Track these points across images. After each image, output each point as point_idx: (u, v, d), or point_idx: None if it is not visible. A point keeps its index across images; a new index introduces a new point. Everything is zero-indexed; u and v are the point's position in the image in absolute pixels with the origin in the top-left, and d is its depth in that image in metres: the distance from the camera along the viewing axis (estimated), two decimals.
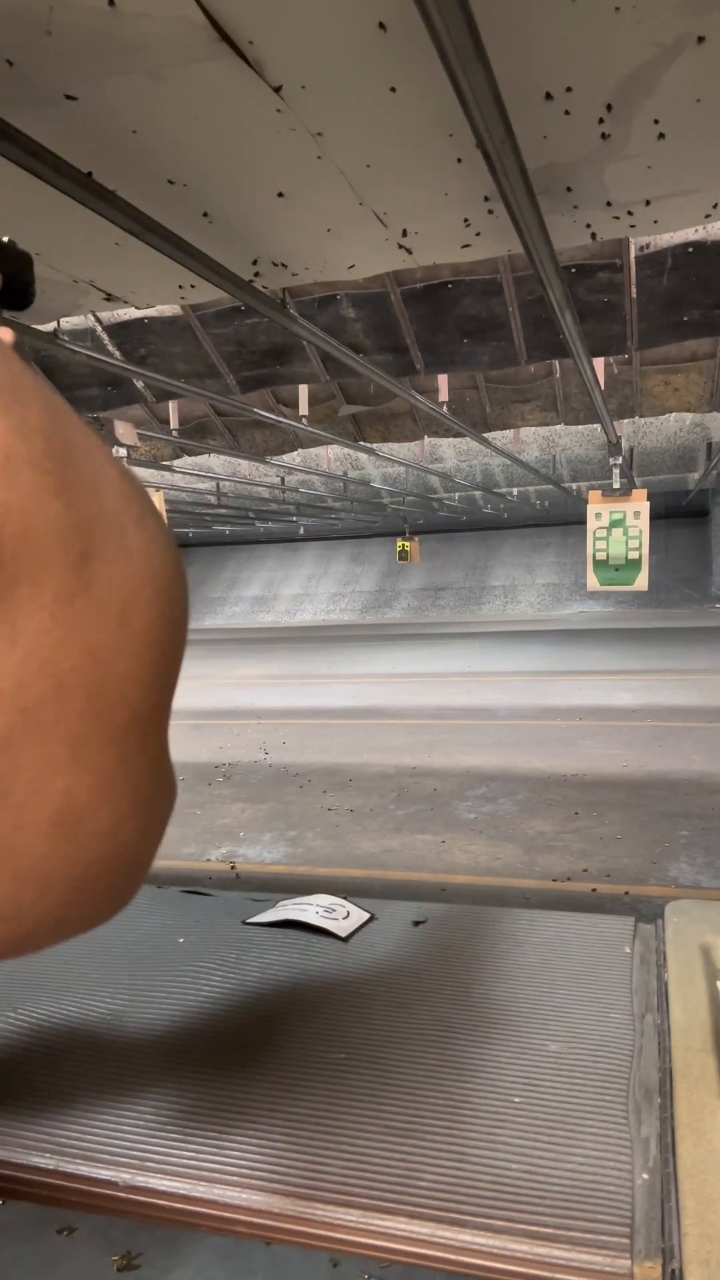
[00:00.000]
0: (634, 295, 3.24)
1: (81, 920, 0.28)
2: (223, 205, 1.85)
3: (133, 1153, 0.76)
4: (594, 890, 3.98)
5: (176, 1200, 0.72)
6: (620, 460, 4.92)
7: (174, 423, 5.24)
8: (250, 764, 6.68)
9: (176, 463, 7.06)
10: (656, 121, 1.56)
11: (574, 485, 10.81)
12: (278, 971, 1.06)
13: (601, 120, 1.55)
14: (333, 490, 10.29)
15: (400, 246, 2.09)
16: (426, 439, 5.90)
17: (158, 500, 4.46)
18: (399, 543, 15.08)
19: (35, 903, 0.25)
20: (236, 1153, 0.75)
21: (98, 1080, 0.87)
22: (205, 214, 1.88)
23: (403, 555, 15.10)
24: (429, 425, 5.43)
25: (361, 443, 5.79)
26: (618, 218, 1.98)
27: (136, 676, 0.25)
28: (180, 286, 2.32)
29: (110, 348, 3.66)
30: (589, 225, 2.04)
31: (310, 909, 1.20)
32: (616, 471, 4.82)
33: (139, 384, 4.18)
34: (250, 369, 3.92)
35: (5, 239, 0.49)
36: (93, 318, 3.57)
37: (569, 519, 17.70)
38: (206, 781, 6.20)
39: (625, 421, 5.83)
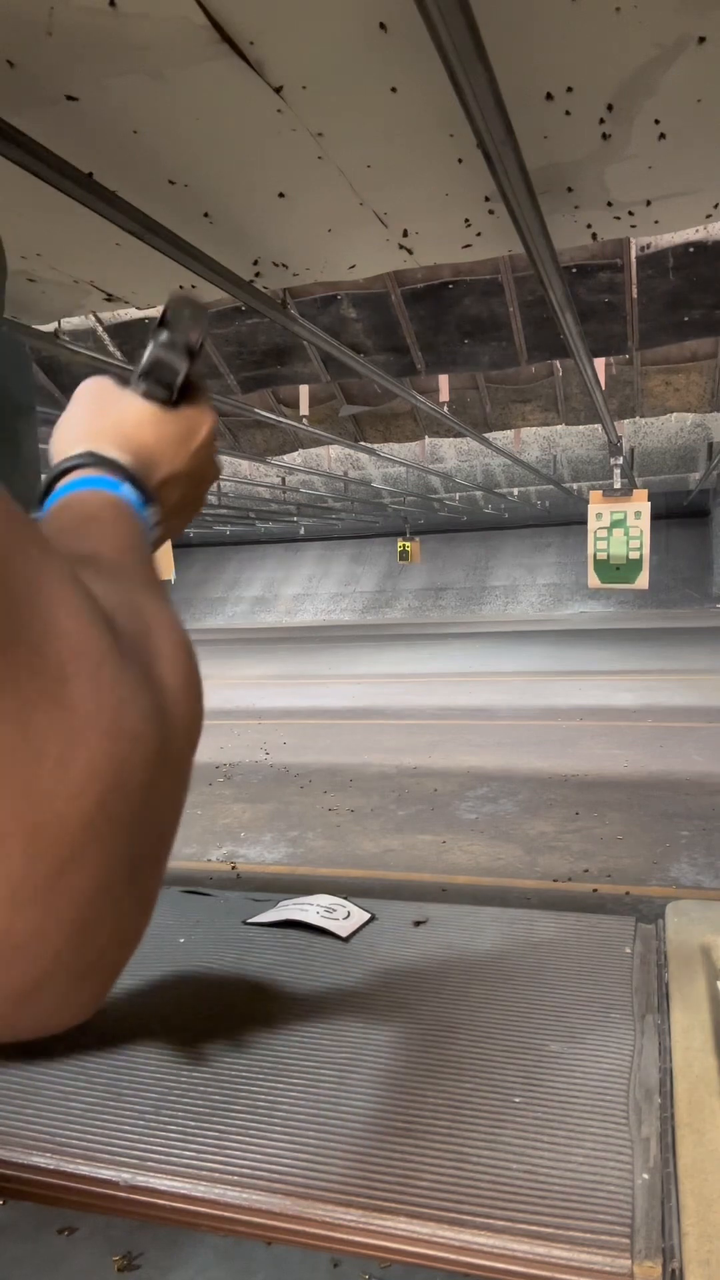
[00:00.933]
0: (635, 295, 3.23)
1: (29, 1026, 0.29)
2: (223, 205, 1.85)
3: (134, 1152, 0.76)
4: (595, 890, 3.98)
5: (178, 1200, 0.72)
6: (621, 460, 4.92)
7: None
8: (251, 764, 6.68)
9: None
10: (657, 122, 1.56)
11: (575, 485, 10.80)
12: (278, 971, 1.06)
13: (602, 120, 1.55)
14: (333, 490, 10.30)
15: (401, 247, 2.09)
16: (427, 439, 5.90)
17: None
18: (400, 543, 15.08)
19: None
20: (237, 1152, 0.75)
21: (98, 1080, 0.87)
22: (206, 214, 1.88)
23: (403, 555, 15.10)
24: (430, 425, 5.43)
25: (362, 443, 5.79)
26: (619, 218, 1.98)
27: (78, 815, 0.26)
28: (181, 287, 2.32)
29: (111, 348, 3.66)
30: (590, 225, 2.04)
31: (311, 909, 1.20)
32: (617, 472, 4.82)
33: None
34: (251, 369, 3.92)
35: None
36: (93, 318, 3.58)
37: (570, 519, 17.69)
38: (207, 781, 6.20)
39: (626, 422, 5.83)
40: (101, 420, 0.53)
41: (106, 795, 0.27)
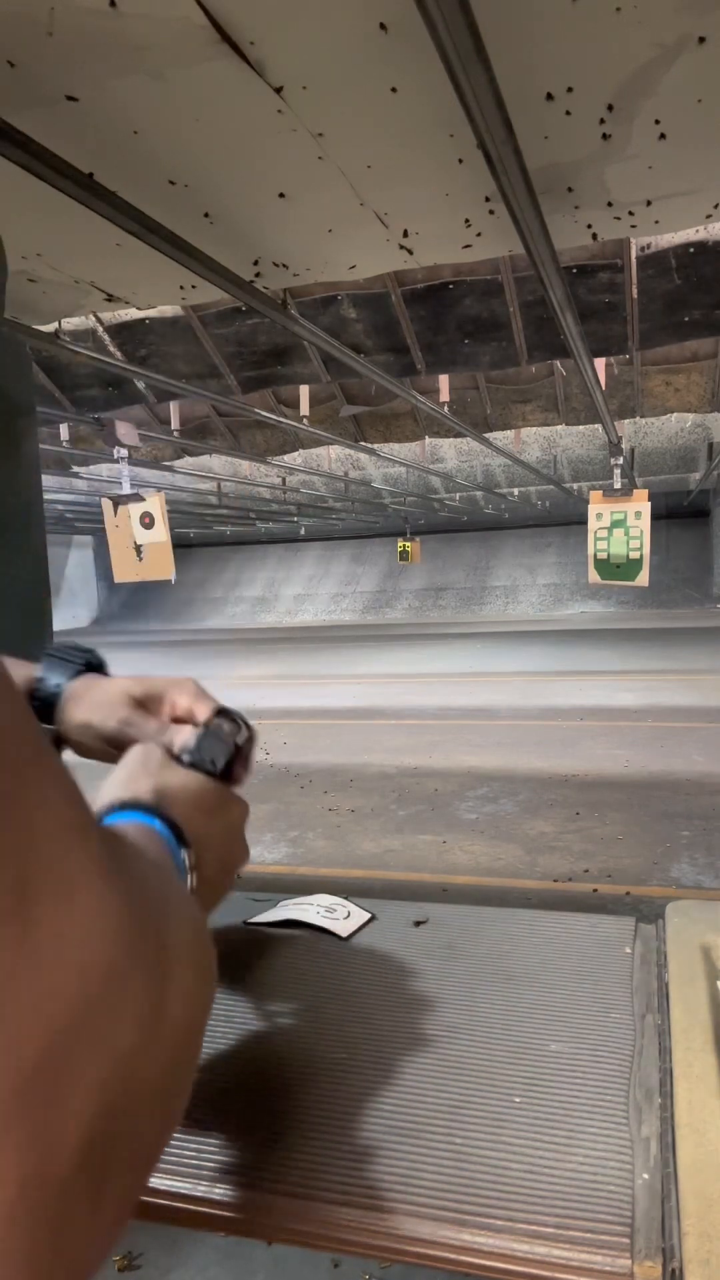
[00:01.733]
0: (635, 295, 3.23)
1: None
2: (224, 206, 1.85)
3: None
4: (595, 890, 3.98)
5: (178, 1200, 0.72)
6: (621, 460, 4.91)
7: (175, 423, 5.24)
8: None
9: (177, 463, 7.06)
10: (658, 122, 1.56)
11: (575, 485, 10.80)
12: (277, 971, 1.06)
13: (603, 120, 1.55)
14: (334, 491, 10.30)
15: (401, 247, 2.09)
16: (427, 439, 5.90)
17: (158, 502, 4.45)
18: (400, 543, 15.07)
19: None
20: (238, 1152, 0.75)
21: None
22: (206, 214, 1.88)
23: (403, 556, 15.09)
24: (430, 426, 5.43)
25: (362, 443, 5.79)
26: (619, 218, 1.98)
27: (14, 1069, 0.21)
28: (181, 287, 2.32)
29: (111, 348, 3.66)
30: (590, 225, 2.04)
31: (311, 909, 1.20)
32: (617, 472, 4.81)
33: (140, 385, 4.19)
34: (251, 369, 3.92)
35: None
36: (94, 318, 3.57)
37: (570, 519, 17.68)
38: None
39: (626, 422, 5.83)
40: (146, 778, 0.55)
41: (62, 1045, 0.22)
